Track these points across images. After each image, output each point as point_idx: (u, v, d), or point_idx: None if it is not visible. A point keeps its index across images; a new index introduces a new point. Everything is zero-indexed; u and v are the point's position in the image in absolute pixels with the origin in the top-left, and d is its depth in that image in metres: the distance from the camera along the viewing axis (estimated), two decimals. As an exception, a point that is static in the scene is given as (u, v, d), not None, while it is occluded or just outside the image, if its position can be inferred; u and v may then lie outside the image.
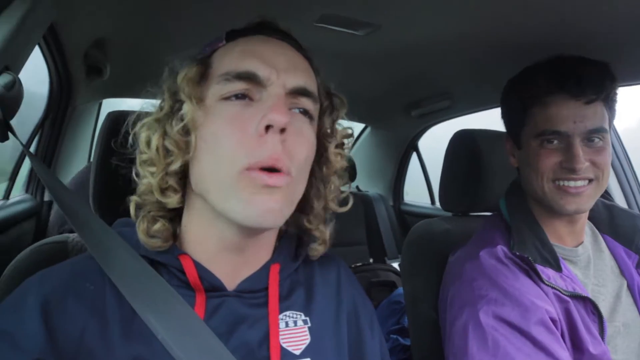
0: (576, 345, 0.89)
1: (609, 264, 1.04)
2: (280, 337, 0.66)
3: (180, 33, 1.36)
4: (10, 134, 0.74)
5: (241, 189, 0.59)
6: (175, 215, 0.69)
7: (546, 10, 1.06)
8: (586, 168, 0.92)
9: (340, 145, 0.74)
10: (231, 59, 0.64)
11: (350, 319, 0.74)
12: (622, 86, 1.05)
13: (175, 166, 0.63)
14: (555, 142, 0.94)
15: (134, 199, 0.67)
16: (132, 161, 0.69)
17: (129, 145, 0.69)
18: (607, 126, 0.94)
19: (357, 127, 3.06)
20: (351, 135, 0.77)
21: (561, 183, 0.94)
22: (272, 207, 0.59)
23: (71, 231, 1.08)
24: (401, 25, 1.29)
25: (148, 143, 0.64)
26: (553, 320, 0.88)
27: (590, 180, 0.93)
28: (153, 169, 0.64)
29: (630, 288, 1.02)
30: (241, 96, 0.62)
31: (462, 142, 1.31)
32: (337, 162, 0.73)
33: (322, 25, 1.27)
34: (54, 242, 0.92)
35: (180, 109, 0.64)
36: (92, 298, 0.61)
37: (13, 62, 0.77)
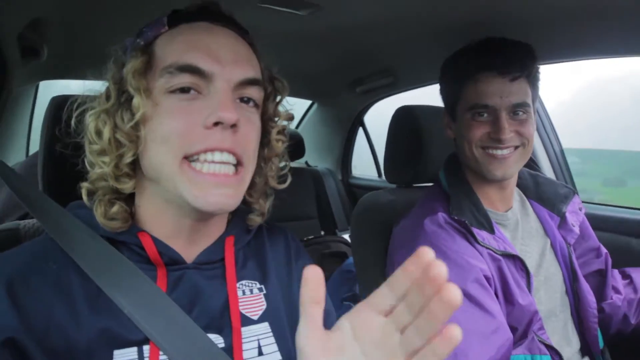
0: (507, 298, 1.00)
1: (535, 226, 1.16)
2: (240, 304, 0.70)
3: (119, 12, 1.33)
4: None
5: (186, 180, 0.62)
6: (129, 196, 0.71)
7: None
8: (511, 138, 1.02)
9: (282, 131, 0.78)
10: (174, 50, 0.65)
11: (300, 285, 0.80)
12: (544, 64, 1.15)
13: (128, 158, 0.65)
14: (485, 114, 1.04)
15: (85, 186, 0.68)
16: (78, 147, 0.70)
17: (73, 130, 0.70)
18: (530, 101, 1.05)
19: (304, 103, 3.09)
20: (292, 118, 0.80)
21: (489, 151, 1.04)
22: (224, 201, 0.64)
23: (20, 218, 1.07)
24: (341, 5, 1.32)
25: (98, 133, 0.65)
26: (487, 278, 0.97)
27: (516, 147, 1.04)
28: (106, 159, 0.65)
29: (552, 246, 1.15)
30: (187, 89, 0.63)
31: (403, 118, 1.38)
32: (279, 146, 0.77)
33: (265, 5, 1.29)
34: (6, 230, 0.92)
35: (127, 99, 0.65)
36: (56, 277, 0.63)
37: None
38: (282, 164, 0.80)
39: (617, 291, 1.19)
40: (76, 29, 1.48)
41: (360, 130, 2.94)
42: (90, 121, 0.66)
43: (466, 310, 0.92)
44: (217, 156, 0.63)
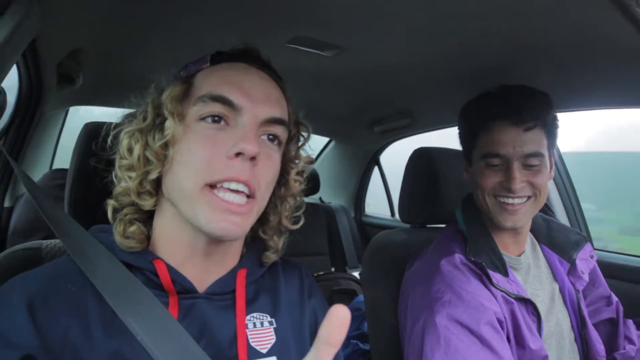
0: (519, 341, 1.00)
1: (545, 271, 1.17)
2: (249, 336, 0.71)
3: (154, 47, 1.40)
4: None
5: (203, 204, 0.66)
6: (148, 218, 0.74)
7: (500, 40, 1.17)
8: (522, 188, 1.03)
9: (301, 173, 0.82)
10: (211, 82, 0.70)
11: (311, 321, 0.80)
12: (562, 112, 1.17)
13: (154, 175, 0.69)
14: (497, 163, 1.05)
15: (111, 203, 0.72)
16: (110, 164, 0.74)
17: (107, 150, 0.74)
18: (544, 150, 1.05)
19: (322, 140, 3.14)
20: (313, 162, 0.84)
21: (501, 199, 1.05)
22: (232, 228, 0.67)
23: (43, 238, 1.10)
24: (366, 49, 1.38)
25: (130, 150, 0.70)
26: (499, 321, 0.98)
27: (528, 197, 1.05)
28: (132, 174, 0.69)
29: (561, 292, 1.15)
30: (217, 119, 0.68)
31: (421, 159, 1.40)
32: (296, 187, 0.80)
33: (293, 45, 1.34)
34: (28, 249, 0.94)
35: (162, 122, 0.69)
36: (74, 298, 0.65)
37: (-1, 73, 0.79)
38: (299, 205, 0.83)
39: (630, 341, 1.18)
40: (111, 60, 1.56)
41: (376, 169, 2.97)
42: (124, 138, 0.71)
43: (477, 352, 0.92)
44: (234, 185, 0.66)
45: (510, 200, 1.04)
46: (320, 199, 3.10)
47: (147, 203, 0.71)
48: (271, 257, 0.80)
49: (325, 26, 1.23)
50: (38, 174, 2.31)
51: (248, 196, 0.68)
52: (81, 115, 2.41)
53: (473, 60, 1.33)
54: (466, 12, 1.03)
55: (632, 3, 0.85)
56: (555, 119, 1.10)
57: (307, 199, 3.10)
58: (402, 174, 1.45)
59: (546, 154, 1.06)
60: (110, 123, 0.77)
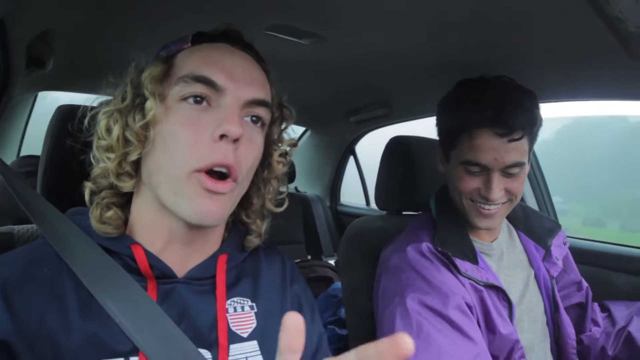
0: (489, 327, 1.02)
1: (520, 257, 1.20)
2: (230, 321, 0.71)
3: (128, 32, 1.37)
4: None
5: (187, 189, 0.65)
6: (125, 203, 0.73)
7: (476, 32, 1.19)
8: (500, 196, 1.03)
9: (284, 154, 0.82)
10: (192, 62, 0.69)
11: (294, 306, 0.81)
12: (543, 102, 1.16)
13: (134, 156, 0.67)
14: (477, 170, 1.03)
15: (88, 185, 0.71)
16: (86, 146, 0.73)
17: (84, 131, 0.73)
18: (526, 159, 1.03)
19: (298, 129, 3.14)
20: (296, 144, 0.84)
21: (477, 204, 1.05)
22: (214, 210, 0.67)
23: (14, 223, 1.07)
24: (344, 38, 1.38)
25: (109, 130, 0.68)
26: (469, 306, 1.00)
27: (503, 202, 1.06)
28: (111, 155, 0.68)
29: (536, 278, 1.18)
30: (199, 99, 0.67)
31: (397, 147, 1.42)
32: (279, 168, 0.81)
33: (271, 33, 1.34)
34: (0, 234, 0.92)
35: (142, 102, 0.68)
36: (49, 282, 0.64)
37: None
38: (282, 188, 0.83)
39: (595, 324, 1.23)
40: (83, 43, 1.52)
41: (351, 159, 3.00)
42: (102, 119, 0.69)
43: (448, 336, 0.94)
44: (217, 169, 0.66)
45: (486, 207, 1.04)
46: (295, 188, 3.11)
47: (126, 185, 0.69)
48: (254, 241, 0.80)
49: (304, 14, 1.22)
50: (5, 159, 2.24)
51: (227, 176, 0.67)
52: (48, 103, 2.34)
53: (452, 50, 1.35)
54: (445, 3, 1.05)
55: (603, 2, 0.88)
56: (540, 122, 1.05)
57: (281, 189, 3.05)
58: (377, 164, 1.46)
59: (526, 159, 1.04)
60: (86, 106, 0.75)
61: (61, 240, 0.68)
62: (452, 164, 1.09)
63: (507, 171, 1.01)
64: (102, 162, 0.69)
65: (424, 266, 1.04)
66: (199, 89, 0.66)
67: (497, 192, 1.01)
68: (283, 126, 0.82)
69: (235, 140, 0.66)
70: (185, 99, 0.67)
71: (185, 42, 0.72)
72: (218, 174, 0.66)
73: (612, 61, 1.16)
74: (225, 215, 0.70)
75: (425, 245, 1.08)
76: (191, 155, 0.65)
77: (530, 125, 1.01)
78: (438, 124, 1.18)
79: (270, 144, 0.79)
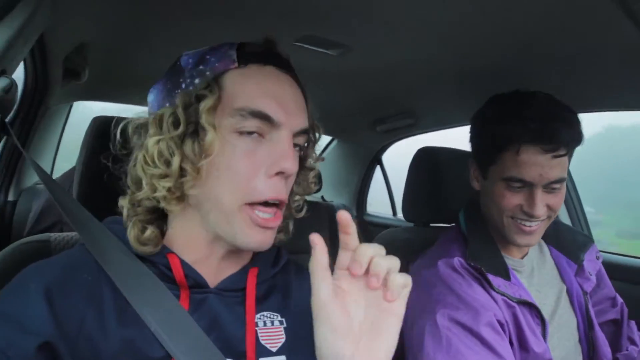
0: (522, 345, 1.00)
1: (551, 272, 1.17)
2: (259, 334, 0.71)
3: (159, 44, 1.40)
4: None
5: (239, 221, 0.67)
6: (160, 216, 0.74)
7: (508, 41, 1.17)
8: (543, 212, 1.01)
9: (316, 174, 0.83)
10: (246, 92, 0.67)
11: None
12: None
13: (191, 190, 0.67)
14: (519, 186, 1.01)
15: (125, 205, 0.71)
16: (117, 161, 0.74)
17: (117, 146, 0.74)
18: (566, 174, 1.02)
19: (324, 138, 3.14)
20: (323, 159, 0.86)
21: (519, 222, 1.03)
22: (267, 240, 0.69)
23: (44, 231, 1.09)
24: (371, 47, 1.38)
25: (163, 159, 0.67)
26: (500, 324, 0.98)
27: (543, 219, 1.03)
28: (167, 184, 0.67)
29: (569, 293, 1.15)
30: (251, 132, 0.67)
31: (425, 158, 1.41)
32: (312, 188, 0.82)
33: (300, 44, 1.35)
34: (37, 241, 0.94)
35: (195, 130, 0.67)
36: (89, 288, 0.66)
37: (9, 66, 0.80)
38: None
39: (632, 342, 1.18)
40: (117, 55, 1.56)
41: (378, 168, 2.98)
42: (152, 144, 0.67)
43: (478, 353, 0.92)
44: (271, 201, 0.68)
45: (528, 224, 1.02)
46: (322, 197, 3.10)
47: (174, 209, 0.70)
48: (279, 236, 0.81)
49: (332, 25, 1.23)
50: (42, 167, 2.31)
51: (278, 207, 0.70)
52: (80, 111, 2.41)
53: (480, 61, 1.33)
54: (473, 12, 1.04)
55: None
56: (582, 138, 1.04)
57: (309, 198, 3.07)
58: (404, 174, 1.45)
59: (566, 175, 1.03)
60: (120, 119, 0.76)
61: (100, 248, 0.69)
62: (492, 180, 1.07)
63: (550, 187, 1.00)
64: (151, 188, 0.68)
65: (456, 281, 1.02)
66: (256, 123, 0.66)
67: (541, 207, 0.99)
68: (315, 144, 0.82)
69: (289, 175, 0.68)
70: (241, 132, 0.67)
71: (231, 60, 0.69)
72: (272, 207, 0.68)
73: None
74: (273, 240, 0.72)
75: (457, 260, 1.05)
76: (246, 189, 0.66)
77: (575, 141, 1.00)
78: (474, 140, 1.15)
79: (304, 164, 0.79)
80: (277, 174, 0.67)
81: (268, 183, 0.67)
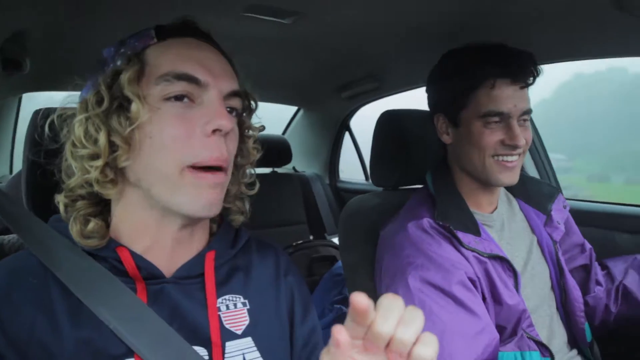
0: (495, 298, 1.02)
1: (522, 224, 1.19)
2: (223, 318, 0.71)
3: (102, 25, 1.33)
4: None
5: (186, 185, 0.65)
6: (102, 209, 0.72)
7: None
8: (523, 143, 1.03)
9: (257, 141, 0.82)
10: (168, 60, 0.67)
11: (288, 299, 0.80)
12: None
13: (123, 162, 0.65)
14: (496, 121, 1.04)
15: (61, 199, 0.69)
16: (49, 155, 0.71)
17: (48, 138, 0.71)
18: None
19: (290, 109, 3.10)
20: (264, 129, 0.84)
21: (500, 158, 1.05)
22: (215, 200, 0.67)
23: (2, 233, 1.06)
24: (326, 12, 1.34)
25: (90, 138, 0.65)
26: (472, 280, 0.99)
27: (519, 154, 1.06)
28: (97, 163, 0.65)
29: (539, 243, 1.17)
30: (180, 97, 0.66)
31: (388, 122, 1.39)
32: (255, 154, 0.81)
33: (250, 14, 1.30)
34: None
35: (121, 105, 0.66)
36: (37, 292, 0.64)
37: None
38: (251, 171, 0.83)
39: (598, 283, 1.22)
40: (59, 41, 1.48)
41: (347, 135, 2.97)
42: (77, 126, 0.66)
43: (451, 312, 0.94)
44: (212, 163, 0.66)
45: (509, 158, 1.05)
46: (293, 168, 3.09)
47: (110, 192, 0.68)
48: (239, 218, 0.81)
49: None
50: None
51: (220, 169, 0.68)
52: (37, 102, 2.31)
53: (440, 19, 1.31)
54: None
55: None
56: (541, 71, 1.09)
57: (280, 170, 3.09)
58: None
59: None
60: (51, 109, 0.73)
61: (44, 249, 0.67)
62: (466, 124, 1.08)
63: (522, 118, 1.05)
64: (81, 172, 0.66)
65: (425, 241, 1.03)
66: (183, 87, 0.65)
67: (521, 137, 1.02)
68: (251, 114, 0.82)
69: (226, 134, 0.67)
70: (168, 98, 0.65)
71: (150, 37, 0.69)
72: (213, 168, 0.66)
73: (602, 17, 1.13)
74: (222, 202, 0.70)
75: (426, 221, 1.06)
76: (184, 152, 0.64)
77: (535, 72, 1.06)
78: (437, 93, 1.17)
79: (243, 131, 0.79)
80: (214, 132, 0.65)
81: (206, 142, 0.65)
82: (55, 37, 1.43)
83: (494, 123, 1.04)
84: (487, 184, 1.10)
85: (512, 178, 1.07)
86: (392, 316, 0.45)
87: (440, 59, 1.15)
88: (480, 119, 1.04)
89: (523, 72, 1.04)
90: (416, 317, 0.46)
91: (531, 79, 1.06)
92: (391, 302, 0.46)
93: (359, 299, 0.43)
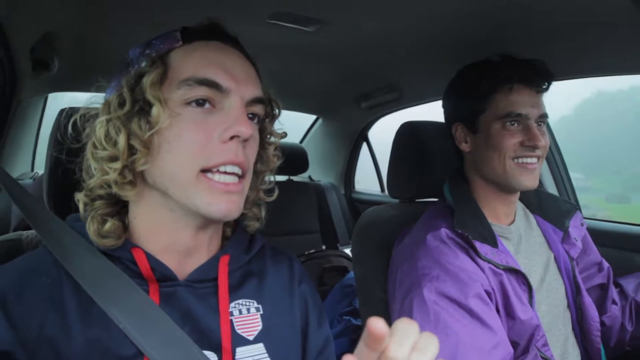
0: (508, 312, 1.00)
1: (539, 240, 1.18)
2: (235, 323, 0.71)
3: (128, 26, 1.36)
4: None
5: (201, 191, 0.65)
6: (120, 209, 0.72)
7: (489, 11, 1.16)
8: (542, 145, 1.05)
9: (278, 148, 0.82)
10: (191, 64, 0.67)
11: (301, 307, 0.80)
12: (557, 80, 1.18)
13: (142, 166, 0.65)
14: (516, 124, 1.06)
15: (81, 198, 0.69)
16: (72, 154, 0.72)
17: (71, 137, 0.72)
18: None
19: (309, 118, 3.11)
20: (286, 136, 0.84)
21: (520, 160, 1.06)
22: (232, 207, 0.67)
23: (24, 228, 1.08)
24: (349, 22, 1.35)
25: (110, 139, 0.66)
26: (487, 292, 0.98)
27: (538, 158, 1.07)
28: (116, 165, 0.66)
29: (556, 260, 1.16)
30: (202, 102, 0.66)
31: (407, 133, 1.39)
32: (275, 162, 0.81)
33: (274, 22, 1.31)
34: (8, 240, 0.92)
35: (141, 108, 0.66)
36: (49, 291, 0.64)
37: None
38: (271, 178, 0.83)
39: (614, 302, 1.21)
40: (86, 43, 1.52)
41: (364, 145, 2.96)
42: (99, 127, 0.67)
43: (467, 325, 0.92)
44: (229, 168, 0.66)
45: (529, 160, 1.06)
46: (309, 177, 3.09)
47: (129, 193, 0.68)
48: (253, 225, 0.81)
49: (305, 0, 1.20)
50: (20, 165, 2.27)
51: (239, 176, 0.68)
52: (62, 102, 2.36)
53: (461, 32, 1.31)
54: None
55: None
56: (554, 77, 1.13)
57: (296, 178, 3.09)
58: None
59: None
60: (75, 109, 0.74)
61: (61, 247, 0.68)
62: (485, 128, 1.11)
63: (539, 122, 1.08)
64: (100, 173, 0.67)
65: (442, 252, 1.02)
66: (204, 92, 0.66)
67: (540, 137, 1.04)
68: (274, 120, 0.81)
69: (245, 140, 0.66)
70: (189, 102, 0.66)
71: (175, 40, 0.69)
72: (232, 175, 0.66)
73: (623, 33, 1.13)
74: (241, 209, 0.70)
75: (444, 231, 1.06)
76: (200, 156, 0.65)
77: (550, 79, 1.10)
78: (454, 103, 1.19)
79: (264, 138, 0.78)
80: (232, 138, 0.65)
81: (223, 147, 0.65)
82: (81, 39, 1.46)
83: (512, 125, 1.06)
84: (507, 190, 1.10)
85: (533, 181, 1.07)
86: (407, 341, 0.44)
87: (457, 72, 1.18)
88: (499, 121, 1.07)
89: (538, 77, 1.08)
90: (431, 343, 0.45)
91: (545, 84, 1.09)
92: (407, 327, 0.45)
93: (376, 325, 0.41)
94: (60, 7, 1.17)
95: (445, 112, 1.23)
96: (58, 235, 0.69)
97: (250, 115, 0.71)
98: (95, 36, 1.46)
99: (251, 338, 0.71)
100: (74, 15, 1.26)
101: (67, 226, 0.71)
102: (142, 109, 0.66)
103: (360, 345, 0.44)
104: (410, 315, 0.97)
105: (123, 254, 0.68)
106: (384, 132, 2.82)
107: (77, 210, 0.72)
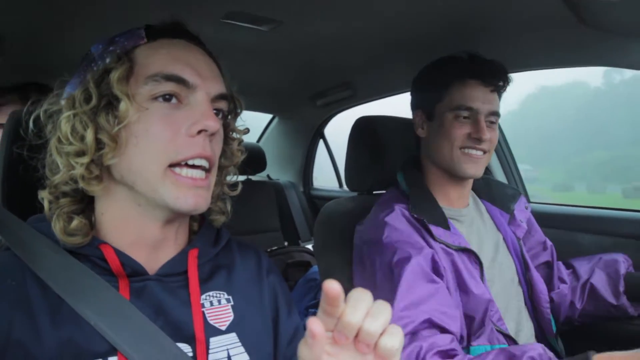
0: (462, 288, 1.09)
1: (488, 223, 1.28)
2: (207, 315, 0.72)
3: (81, 28, 1.33)
4: None
5: (168, 185, 0.66)
6: (86, 206, 0.72)
7: (438, 10, 1.22)
8: (488, 139, 1.14)
9: (241, 143, 0.83)
10: (158, 60, 0.68)
11: (271, 297, 0.82)
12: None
13: (110, 160, 0.66)
14: (466, 116, 1.15)
15: (45, 195, 0.68)
16: (33, 150, 0.71)
17: (32, 134, 0.71)
18: (499, 110, 1.18)
19: (265, 117, 3.12)
20: (248, 131, 0.86)
21: (467, 150, 1.15)
22: (199, 201, 0.68)
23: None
24: (303, 22, 1.38)
25: (77, 134, 0.66)
26: (435, 262, 1.07)
27: (484, 152, 1.16)
28: (83, 160, 0.65)
29: (505, 241, 1.27)
30: (169, 97, 0.67)
31: (363, 127, 1.43)
32: (239, 156, 0.83)
33: (229, 21, 1.32)
34: None
35: (108, 103, 0.66)
36: (14, 293, 0.63)
37: None
38: (234, 177, 0.85)
39: (562, 281, 1.31)
40: (35, 43, 1.47)
41: (321, 142, 3.00)
42: (64, 122, 0.66)
43: (423, 285, 1.01)
44: (197, 161, 0.67)
45: (474, 152, 1.15)
46: (268, 176, 3.10)
47: (96, 189, 0.68)
48: (219, 218, 0.82)
49: (260, 0, 1.21)
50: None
51: (206, 170, 0.69)
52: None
53: (412, 30, 1.36)
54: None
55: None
56: (510, 80, 1.22)
57: (254, 177, 3.05)
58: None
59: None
60: (35, 106, 0.72)
61: (26, 248, 0.67)
62: (439, 117, 1.19)
63: (489, 119, 1.16)
64: (66, 168, 0.67)
65: (399, 226, 1.11)
66: (171, 87, 0.67)
67: (486, 132, 1.12)
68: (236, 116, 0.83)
69: (211, 135, 0.68)
70: (156, 97, 0.67)
71: (140, 37, 0.70)
72: (199, 169, 0.68)
73: (563, 28, 1.21)
74: (208, 202, 0.71)
75: (399, 210, 1.14)
76: (167, 150, 0.65)
77: (504, 81, 1.20)
78: (422, 84, 1.27)
79: (227, 133, 0.80)
80: (200, 132, 0.67)
81: (190, 141, 0.67)
82: (30, 40, 1.41)
83: (463, 117, 1.15)
84: (454, 176, 1.19)
85: (476, 170, 1.16)
86: (361, 307, 0.48)
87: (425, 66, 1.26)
88: (452, 112, 1.16)
89: (493, 76, 1.17)
90: (383, 310, 0.49)
91: (501, 83, 1.18)
92: (360, 295, 0.49)
93: (331, 285, 0.45)
94: (6, 9, 1.13)
95: (411, 100, 1.31)
96: (20, 236, 0.68)
97: (215, 111, 0.72)
98: (44, 38, 1.42)
99: (223, 328, 0.72)
100: (21, 17, 1.22)
101: (29, 227, 0.70)
102: (109, 103, 0.66)
103: (319, 314, 0.48)
104: (374, 281, 1.06)
105: (91, 251, 0.68)
106: (341, 133, 2.87)
107: (42, 210, 0.70)
